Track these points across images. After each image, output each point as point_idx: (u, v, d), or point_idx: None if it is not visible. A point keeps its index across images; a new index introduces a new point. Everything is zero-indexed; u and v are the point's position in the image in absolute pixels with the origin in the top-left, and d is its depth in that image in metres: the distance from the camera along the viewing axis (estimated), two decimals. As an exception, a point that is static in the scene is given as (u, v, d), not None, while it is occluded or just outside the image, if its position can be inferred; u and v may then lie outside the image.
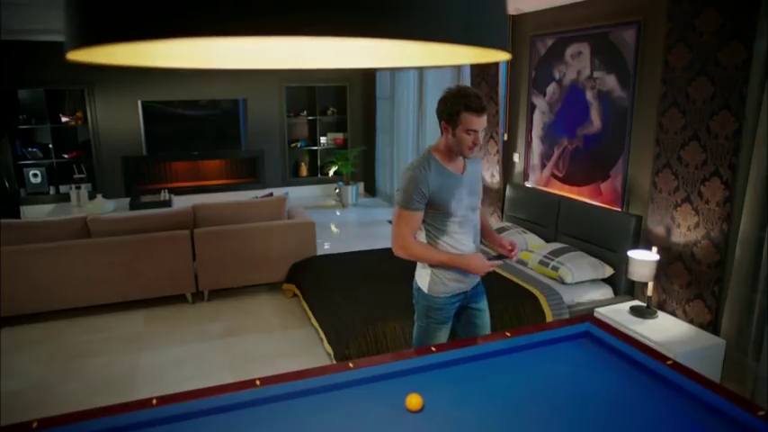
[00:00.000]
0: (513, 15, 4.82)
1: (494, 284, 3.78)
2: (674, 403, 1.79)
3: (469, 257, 2.31)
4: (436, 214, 2.27)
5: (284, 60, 1.04)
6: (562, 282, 3.76)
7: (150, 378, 3.43)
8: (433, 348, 2.16)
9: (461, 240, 2.33)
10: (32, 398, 3.23)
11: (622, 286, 3.76)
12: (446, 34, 0.54)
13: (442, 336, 2.45)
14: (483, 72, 5.20)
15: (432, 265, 2.35)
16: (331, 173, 8.54)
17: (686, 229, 3.29)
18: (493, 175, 5.29)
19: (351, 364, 1.98)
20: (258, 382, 1.81)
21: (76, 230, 4.22)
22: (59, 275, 4.09)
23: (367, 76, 8.59)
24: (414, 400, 1.72)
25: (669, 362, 1.96)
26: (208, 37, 0.52)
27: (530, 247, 4.32)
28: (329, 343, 3.36)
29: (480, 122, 2.17)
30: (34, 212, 7.31)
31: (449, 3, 0.55)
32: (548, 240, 4.37)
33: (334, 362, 3.15)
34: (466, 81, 5.56)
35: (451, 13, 0.55)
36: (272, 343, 3.86)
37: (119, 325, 4.17)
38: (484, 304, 2.54)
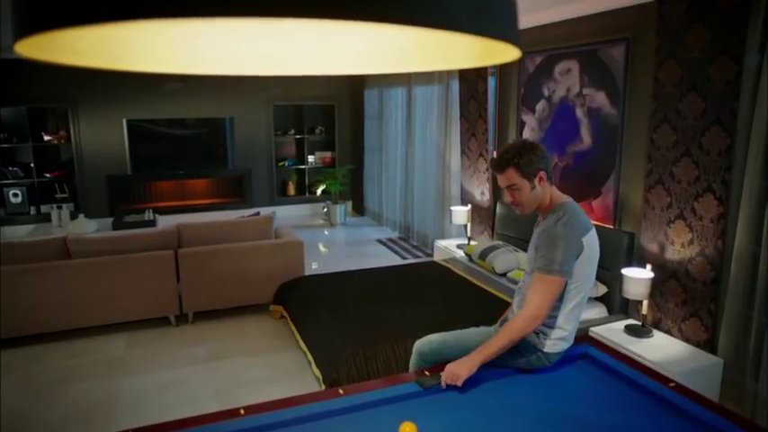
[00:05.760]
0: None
1: (486, 305, 3.72)
2: (678, 427, 1.71)
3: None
4: None
5: (271, 66, 0.96)
6: (555, 300, 3.69)
7: (132, 405, 3.29)
8: (427, 372, 2.08)
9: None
10: (7, 427, 3.07)
11: (616, 305, 3.70)
12: (452, 22, 0.47)
13: None
14: (472, 89, 5.19)
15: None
16: (319, 192, 8.46)
17: (680, 246, 3.24)
18: (483, 193, 5.25)
19: (341, 391, 1.88)
20: (242, 411, 1.71)
21: (56, 251, 4.09)
22: (37, 298, 3.95)
23: (355, 95, 8.58)
24: (407, 429, 1.63)
25: (672, 384, 1.89)
26: (160, 19, 0.44)
27: (521, 266, 4.26)
28: (317, 366, 3.25)
29: (501, 180, 2.19)
30: (14, 233, 7.14)
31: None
32: (539, 258, 4.31)
33: (323, 386, 3.04)
34: (455, 99, 5.54)
35: (459, -1, 0.48)
36: (259, 367, 3.73)
37: (99, 349, 4.01)
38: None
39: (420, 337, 3.04)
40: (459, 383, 1.96)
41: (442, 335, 2.38)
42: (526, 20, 4.34)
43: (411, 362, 2.42)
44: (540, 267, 2.06)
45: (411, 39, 0.86)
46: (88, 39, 0.73)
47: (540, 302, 2.04)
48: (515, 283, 4.05)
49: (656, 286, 3.35)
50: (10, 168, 7.33)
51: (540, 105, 4.49)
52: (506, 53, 0.64)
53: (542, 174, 2.15)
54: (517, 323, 2.05)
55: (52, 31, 0.48)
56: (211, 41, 0.92)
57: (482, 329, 2.40)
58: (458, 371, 1.98)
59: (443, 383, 1.98)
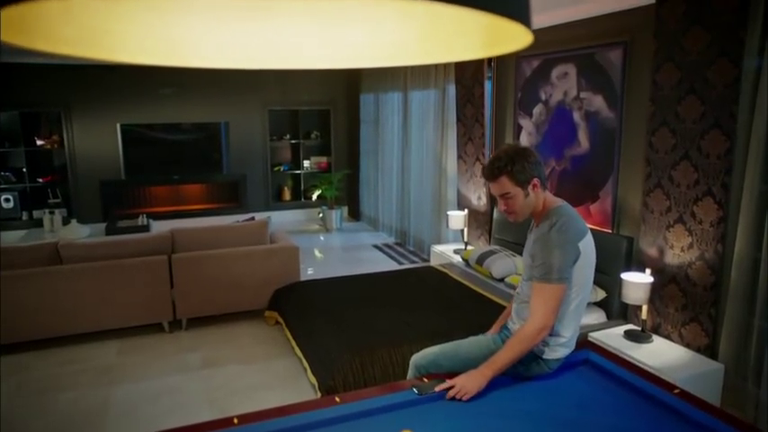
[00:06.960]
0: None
1: (483, 310, 3.67)
2: (684, 436, 1.67)
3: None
4: None
5: (268, 60, 0.93)
6: (554, 306, 3.64)
7: (124, 413, 3.22)
8: (426, 380, 2.03)
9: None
10: (-7, 437, 3.01)
11: (615, 310, 3.66)
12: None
13: None
14: (468, 93, 5.16)
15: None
16: (314, 197, 8.42)
17: (680, 251, 3.21)
18: (480, 198, 5.22)
19: (337, 398, 1.83)
20: (236, 420, 1.66)
21: (47, 257, 4.02)
22: (28, 305, 3.88)
23: (350, 100, 8.55)
24: (407, 438, 1.58)
25: (676, 391, 1.85)
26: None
27: (518, 271, 4.22)
28: (313, 373, 3.20)
29: (494, 188, 2.12)
30: (5, 238, 7.04)
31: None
32: (537, 263, 4.27)
33: (319, 393, 2.98)
34: (451, 103, 5.52)
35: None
36: (254, 374, 3.67)
37: (91, 356, 3.95)
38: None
39: (417, 342, 2.97)
40: (466, 399, 1.90)
41: (440, 346, 2.33)
42: (523, 24, 4.31)
43: (409, 377, 2.35)
44: (539, 276, 2.03)
45: (410, 30, 0.83)
46: (72, 26, 0.69)
47: (545, 312, 2.00)
48: (513, 288, 4.01)
49: (656, 291, 3.32)
50: (2, 173, 7.26)
51: (538, 109, 4.47)
52: (515, 40, 0.60)
53: (536, 180, 2.09)
54: (525, 335, 2.01)
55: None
56: (204, 34, 0.88)
57: (480, 338, 2.35)
58: (467, 386, 1.92)
59: (438, 391, 1.93)
